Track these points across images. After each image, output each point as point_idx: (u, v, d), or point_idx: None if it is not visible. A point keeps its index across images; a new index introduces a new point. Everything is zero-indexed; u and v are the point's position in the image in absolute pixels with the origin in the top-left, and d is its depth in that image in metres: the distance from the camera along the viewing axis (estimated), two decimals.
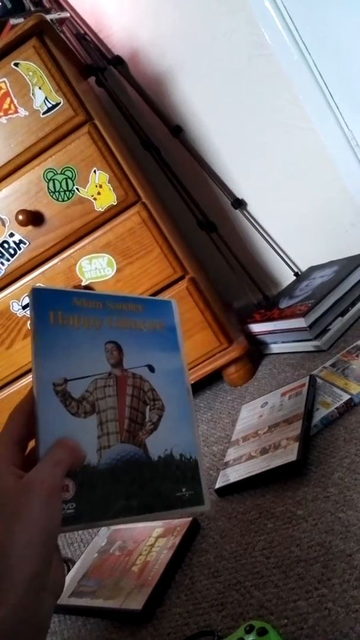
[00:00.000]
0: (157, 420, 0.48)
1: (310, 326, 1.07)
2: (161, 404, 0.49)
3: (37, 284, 1.05)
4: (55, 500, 0.38)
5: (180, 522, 0.75)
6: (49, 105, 0.98)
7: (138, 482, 0.45)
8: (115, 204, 1.02)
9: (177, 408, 0.50)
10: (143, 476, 0.45)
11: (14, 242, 1.04)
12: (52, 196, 1.02)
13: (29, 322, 0.45)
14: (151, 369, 0.50)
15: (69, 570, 0.81)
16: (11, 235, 1.03)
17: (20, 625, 0.34)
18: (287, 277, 1.46)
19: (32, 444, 0.42)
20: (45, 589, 0.36)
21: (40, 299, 0.46)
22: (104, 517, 0.42)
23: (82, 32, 1.34)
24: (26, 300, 1.06)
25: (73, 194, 1.02)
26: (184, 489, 0.47)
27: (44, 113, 0.98)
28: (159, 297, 0.55)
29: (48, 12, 1.15)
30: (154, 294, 1.07)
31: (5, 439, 0.41)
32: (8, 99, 0.98)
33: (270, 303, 1.32)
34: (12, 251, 1.04)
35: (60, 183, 1.01)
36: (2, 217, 1.03)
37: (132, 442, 0.46)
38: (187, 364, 0.52)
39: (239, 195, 1.43)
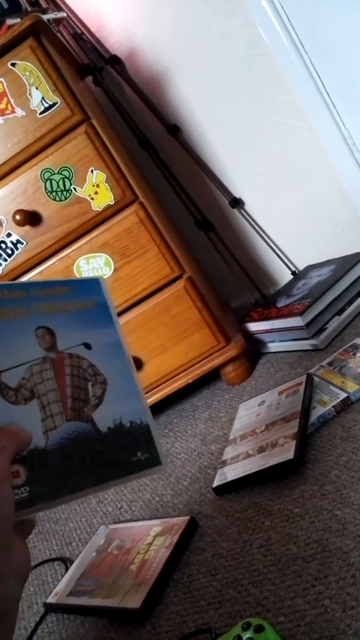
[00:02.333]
0: (101, 394, 0.50)
1: (308, 325, 1.07)
2: (103, 378, 0.51)
3: None
4: (5, 487, 0.39)
5: (177, 521, 0.75)
6: (46, 105, 0.98)
7: (90, 456, 0.46)
8: (112, 203, 1.02)
9: (121, 379, 0.52)
10: (94, 449, 0.47)
11: (12, 242, 1.04)
12: (49, 196, 1.02)
13: None
14: (87, 346, 0.51)
15: (67, 569, 0.81)
16: (8, 235, 1.03)
17: None
18: (284, 276, 1.47)
19: None
20: (8, 572, 0.37)
21: None
22: (60, 494, 0.44)
23: (79, 32, 1.34)
24: None
25: (70, 194, 1.02)
26: (139, 453, 0.49)
27: (41, 113, 0.98)
28: (85, 277, 0.57)
29: (45, 12, 1.14)
30: (152, 293, 1.07)
31: None
32: (5, 99, 0.98)
33: (267, 302, 1.33)
34: (9, 251, 1.04)
35: (58, 183, 1.01)
36: (0, 217, 1.03)
37: (78, 419, 0.47)
38: (125, 335, 0.54)
39: (237, 195, 1.43)
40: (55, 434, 0.45)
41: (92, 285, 0.55)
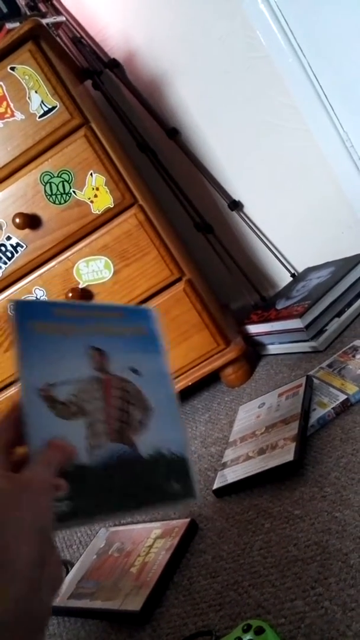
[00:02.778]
0: (145, 420, 0.50)
1: (307, 327, 1.07)
2: (147, 404, 0.51)
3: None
4: (47, 498, 0.39)
5: (178, 524, 0.75)
6: (45, 109, 0.98)
7: (129, 479, 0.47)
8: (112, 206, 1.02)
9: (164, 407, 0.52)
10: (134, 473, 0.47)
11: (11, 246, 1.04)
12: (49, 199, 1.02)
13: (13, 334, 0.47)
14: (135, 371, 0.52)
15: (67, 572, 0.81)
16: (8, 238, 1.04)
17: (21, 618, 0.35)
18: (283, 278, 1.47)
19: (22, 449, 0.44)
20: (43, 582, 0.37)
21: (23, 311, 0.48)
22: (98, 513, 0.44)
23: (78, 35, 1.35)
24: None
25: (70, 197, 1.02)
26: (174, 483, 0.49)
27: (40, 117, 0.98)
28: (138, 306, 0.58)
29: (44, 16, 1.15)
30: (151, 296, 1.07)
31: None
32: (4, 103, 0.98)
33: (267, 304, 1.33)
34: (9, 254, 1.04)
35: (57, 186, 1.01)
36: (0, 220, 1.03)
37: (121, 441, 0.48)
38: (170, 367, 0.55)
39: (236, 197, 1.43)
40: (98, 452, 0.46)
41: (144, 313, 0.57)
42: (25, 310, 0.48)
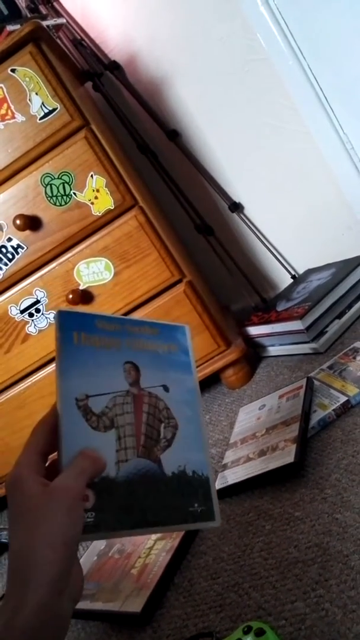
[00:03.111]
0: (171, 438, 0.51)
1: (308, 328, 1.07)
2: (175, 422, 0.52)
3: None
4: (78, 508, 0.40)
5: None
6: (46, 111, 0.98)
7: (153, 496, 0.47)
8: (112, 208, 1.03)
9: (190, 427, 0.52)
10: (158, 490, 0.47)
11: (12, 247, 1.04)
12: (49, 201, 1.02)
13: (55, 342, 0.48)
14: (166, 389, 0.53)
15: None
16: (9, 240, 1.04)
17: (42, 626, 0.35)
18: (284, 280, 1.47)
19: (53, 456, 0.44)
20: (66, 593, 0.37)
21: (65, 320, 0.49)
22: (121, 527, 0.44)
23: (79, 38, 1.35)
24: (25, 304, 1.07)
25: (70, 199, 1.02)
26: (196, 504, 0.49)
27: (40, 118, 0.99)
28: (173, 323, 0.59)
29: (44, 18, 1.15)
30: (152, 297, 1.07)
31: (30, 449, 0.44)
32: (5, 105, 0.98)
33: (267, 306, 1.33)
34: (10, 256, 1.04)
35: (58, 188, 1.02)
36: (0, 222, 1.03)
37: (148, 457, 0.48)
38: (199, 386, 0.56)
39: (236, 199, 1.44)
40: (126, 466, 0.46)
41: (179, 331, 0.58)
42: (68, 320, 0.49)
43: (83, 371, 0.48)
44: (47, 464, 0.44)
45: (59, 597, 0.37)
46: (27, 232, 1.03)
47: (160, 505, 0.47)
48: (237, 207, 1.43)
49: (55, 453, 0.44)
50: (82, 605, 0.70)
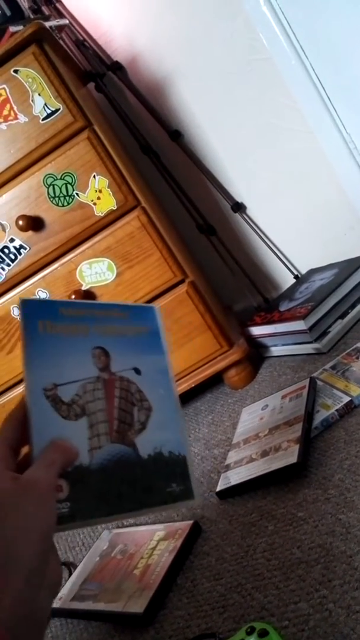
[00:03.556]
0: (145, 420, 0.50)
1: (310, 329, 1.07)
2: (148, 405, 0.51)
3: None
4: (50, 499, 0.40)
5: (181, 526, 0.75)
6: (49, 112, 0.98)
7: (129, 480, 0.46)
8: (114, 208, 1.03)
9: (164, 408, 0.52)
10: (134, 474, 0.47)
11: (15, 248, 1.04)
12: (52, 201, 1.02)
13: (20, 332, 0.47)
14: (137, 371, 0.52)
15: (70, 574, 0.81)
16: (11, 240, 1.04)
17: (20, 620, 0.35)
18: (286, 280, 1.47)
19: (25, 449, 0.44)
20: (43, 585, 0.37)
21: (29, 309, 0.48)
22: (98, 515, 0.44)
23: (81, 38, 1.35)
24: None
25: (73, 199, 1.02)
26: (174, 485, 0.49)
27: (43, 119, 0.99)
28: (143, 304, 0.58)
29: (47, 19, 1.15)
30: (154, 298, 1.07)
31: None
32: (8, 106, 0.98)
33: (270, 306, 1.33)
34: (12, 256, 1.05)
35: (60, 188, 1.02)
36: (3, 222, 1.03)
37: (122, 442, 0.48)
38: (172, 365, 0.55)
39: (239, 199, 1.43)
40: (99, 453, 0.46)
41: (148, 312, 0.57)
42: (31, 309, 0.48)
43: (50, 360, 0.47)
44: (19, 458, 0.44)
45: (36, 591, 0.36)
46: (30, 232, 1.03)
47: (137, 489, 0.47)
48: (239, 207, 1.43)
49: (28, 446, 0.43)
50: (85, 605, 0.70)
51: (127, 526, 0.87)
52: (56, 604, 0.74)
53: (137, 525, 0.86)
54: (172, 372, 0.55)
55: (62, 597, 0.75)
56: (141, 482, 0.47)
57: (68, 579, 0.80)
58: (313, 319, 1.08)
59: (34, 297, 1.07)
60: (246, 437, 0.89)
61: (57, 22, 1.19)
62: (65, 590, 0.76)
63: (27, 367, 0.45)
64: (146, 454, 0.49)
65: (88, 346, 0.50)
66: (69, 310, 0.50)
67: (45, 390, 0.45)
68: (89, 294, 1.06)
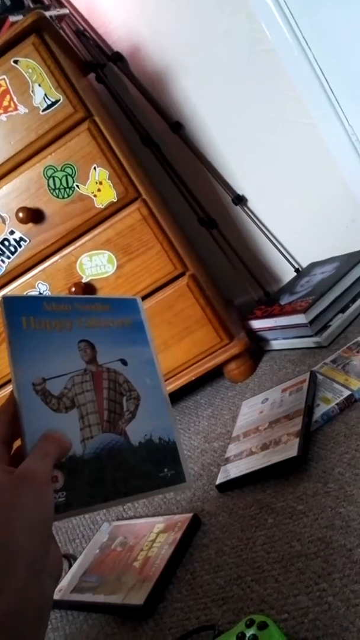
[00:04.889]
0: (135, 409, 0.52)
1: (311, 322, 1.07)
2: (137, 394, 0.53)
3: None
4: (47, 490, 0.40)
5: (181, 518, 0.75)
6: (49, 102, 0.98)
7: (122, 468, 0.48)
8: (115, 200, 1.02)
9: (152, 396, 0.54)
10: (126, 461, 0.49)
11: (15, 240, 1.04)
12: (52, 193, 1.02)
13: (3, 330, 0.48)
14: (124, 362, 0.54)
15: (70, 566, 0.81)
16: (12, 232, 1.03)
17: (24, 607, 0.36)
18: (287, 273, 1.46)
19: (17, 443, 0.45)
20: (45, 573, 0.38)
21: (12, 306, 0.49)
22: (94, 502, 0.45)
23: (82, 28, 1.34)
24: None
25: (73, 191, 1.02)
26: (165, 469, 0.51)
27: (43, 110, 0.98)
28: (124, 296, 0.60)
29: (47, 9, 1.14)
30: (155, 291, 1.07)
31: None
32: (8, 96, 0.98)
33: (270, 299, 1.33)
34: (12, 249, 1.04)
35: (61, 180, 1.01)
36: (3, 214, 1.03)
37: (113, 431, 0.49)
38: (158, 355, 0.57)
39: (240, 192, 1.43)
40: (91, 443, 0.47)
41: (131, 304, 0.58)
42: (14, 305, 0.49)
43: (36, 355, 0.48)
44: (12, 453, 0.44)
45: (39, 578, 0.37)
46: (30, 224, 1.02)
47: (130, 476, 0.48)
48: (240, 200, 1.42)
49: (20, 440, 0.44)
50: (85, 597, 0.71)
51: (126, 518, 0.87)
52: (56, 595, 0.74)
53: (136, 517, 0.86)
54: (157, 362, 0.56)
55: (62, 589, 0.75)
56: (134, 469, 0.49)
57: (68, 570, 0.80)
58: (314, 312, 1.08)
59: (31, 292, 1.07)
60: (246, 431, 0.89)
61: (58, 11, 1.18)
62: (65, 582, 0.76)
63: (13, 363, 0.46)
64: (137, 442, 0.50)
65: (73, 340, 0.51)
66: (52, 305, 0.51)
67: (34, 384, 0.46)
68: (89, 287, 1.06)
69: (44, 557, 0.38)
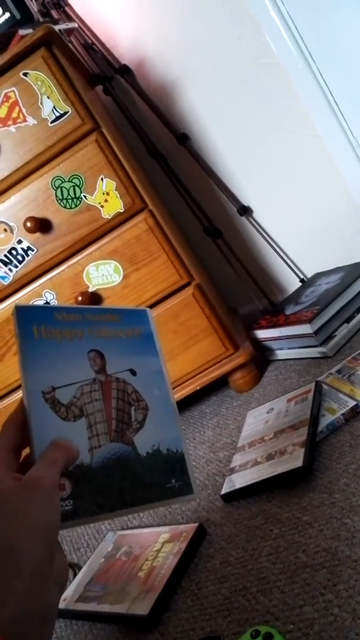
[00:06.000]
0: (143, 419, 0.52)
1: (316, 332, 1.07)
2: (145, 404, 0.53)
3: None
4: (54, 497, 0.41)
5: (186, 528, 0.75)
6: (57, 114, 0.99)
7: (129, 477, 0.48)
8: (122, 211, 1.03)
9: (160, 407, 0.54)
10: (134, 471, 0.49)
11: (22, 249, 1.05)
12: (59, 203, 1.03)
13: (15, 338, 0.48)
14: (133, 372, 0.54)
15: (75, 575, 0.81)
16: (19, 242, 1.04)
17: (29, 613, 0.36)
18: (292, 284, 1.47)
19: (26, 451, 0.45)
20: (50, 579, 0.38)
21: (24, 316, 0.49)
22: (101, 511, 0.45)
23: (90, 42, 1.36)
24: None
25: (80, 202, 1.03)
26: (173, 480, 0.51)
27: (52, 122, 0.99)
28: (134, 307, 0.60)
29: (56, 22, 1.16)
30: (160, 300, 1.08)
31: (1, 446, 0.44)
32: (17, 108, 0.99)
33: (276, 309, 1.33)
34: (20, 258, 1.05)
35: (68, 191, 1.02)
36: (11, 224, 1.04)
37: (121, 441, 0.50)
38: (167, 366, 0.57)
39: (245, 202, 1.44)
40: (99, 452, 0.48)
41: (141, 315, 0.59)
42: (26, 315, 0.49)
43: (47, 364, 0.48)
44: (21, 460, 0.45)
45: (44, 585, 0.37)
46: (37, 234, 1.03)
47: (137, 486, 0.48)
48: (246, 211, 1.43)
49: (29, 448, 0.45)
50: (89, 607, 0.70)
51: (132, 528, 0.87)
52: (61, 605, 0.74)
53: (142, 527, 0.86)
54: (166, 372, 0.56)
55: (67, 598, 0.75)
56: (141, 479, 0.49)
57: (73, 580, 0.80)
58: (319, 322, 1.08)
59: (37, 301, 1.08)
60: (251, 441, 0.89)
61: (66, 25, 1.19)
62: (70, 591, 0.76)
63: (24, 372, 0.47)
64: (145, 452, 0.50)
65: (83, 349, 0.51)
66: (63, 314, 0.52)
67: (44, 393, 0.47)
68: (95, 296, 1.07)
69: (49, 564, 0.38)
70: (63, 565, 0.41)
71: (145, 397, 0.53)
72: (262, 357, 1.24)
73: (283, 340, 1.16)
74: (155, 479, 0.49)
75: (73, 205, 1.03)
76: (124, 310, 0.57)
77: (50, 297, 1.08)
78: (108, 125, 1.06)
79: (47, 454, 0.43)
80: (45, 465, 0.42)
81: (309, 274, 1.45)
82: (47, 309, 0.53)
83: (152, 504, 0.49)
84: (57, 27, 1.05)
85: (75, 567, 0.84)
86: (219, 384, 1.22)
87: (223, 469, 0.88)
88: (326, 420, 0.81)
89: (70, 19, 1.31)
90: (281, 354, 1.20)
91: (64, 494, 0.43)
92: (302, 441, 0.76)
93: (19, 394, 1.12)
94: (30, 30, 1.04)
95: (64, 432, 0.46)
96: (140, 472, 0.49)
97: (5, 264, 1.05)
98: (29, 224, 1.01)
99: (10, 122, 1.00)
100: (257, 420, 0.95)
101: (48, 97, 0.98)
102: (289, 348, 1.16)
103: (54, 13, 1.27)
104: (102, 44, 1.38)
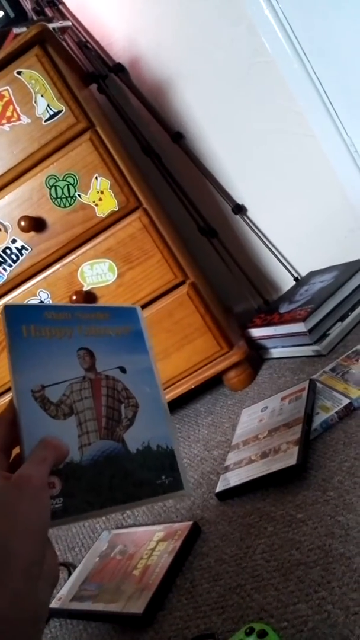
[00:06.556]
0: (133, 417, 0.52)
1: (310, 331, 1.08)
2: (135, 401, 0.53)
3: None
4: (42, 495, 0.41)
5: (180, 527, 0.75)
6: (51, 113, 0.99)
7: (120, 475, 0.48)
8: (116, 209, 1.03)
9: (150, 404, 0.54)
10: (124, 468, 0.49)
11: (16, 249, 1.05)
12: (54, 202, 1.03)
13: (4, 338, 0.48)
14: (123, 370, 0.54)
15: (70, 574, 0.81)
16: (13, 241, 1.04)
17: (20, 612, 0.36)
18: (287, 282, 1.47)
19: (16, 450, 0.45)
20: (41, 579, 0.38)
21: (13, 315, 0.49)
22: (91, 508, 0.45)
23: (84, 40, 1.35)
24: None
25: (75, 200, 1.03)
26: (163, 477, 0.51)
27: (46, 120, 0.99)
28: (124, 305, 0.60)
29: (50, 21, 1.16)
30: (155, 299, 1.08)
31: None
32: (11, 107, 0.99)
33: (270, 308, 1.33)
34: (14, 257, 1.05)
35: (62, 189, 1.02)
36: (5, 223, 1.04)
37: (111, 438, 0.50)
38: (157, 363, 0.57)
39: (239, 201, 1.44)
40: (89, 450, 0.48)
41: (130, 313, 0.59)
42: (15, 314, 0.49)
43: (36, 363, 0.48)
44: (11, 460, 0.45)
45: (34, 583, 0.37)
46: (32, 233, 1.03)
47: (128, 483, 0.48)
48: (240, 210, 1.43)
49: (19, 447, 0.45)
50: (84, 606, 0.70)
51: (126, 527, 0.87)
52: (55, 604, 0.74)
53: (136, 525, 0.86)
54: (156, 370, 0.56)
55: (62, 598, 0.75)
56: (131, 476, 0.49)
57: (67, 579, 0.80)
58: (313, 321, 1.09)
59: (31, 300, 1.08)
60: (245, 439, 0.89)
61: (60, 23, 1.19)
62: (65, 590, 0.76)
63: (13, 371, 0.47)
64: (135, 449, 0.50)
65: (73, 348, 0.51)
66: (52, 313, 0.52)
67: (33, 391, 0.47)
68: (90, 295, 1.07)
69: (40, 562, 0.38)
70: (53, 564, 0.41)
71: (135, 394, 0.54)
72: (256, 356, 1.24)
73: (277, 339, 1.17)
74: (146, 476, 0.50)
75: (67, 204, 1.03)
76: (114, 309, 0.57)
77: (44, 296, 1.07)
78: (102, 123, 1.06)
79: (36, 452, 0.43)
80: (34, 463, 0.42)
81: (303, 273, 1.45)
82: (36, 308, 0.53)
83: (142, 501, 0.49)
84: (51, 26, 1.05)
85: (70, 567, 0.84)
86: (214, 383, 1.22)
87: (217, 467, 0.89)
88: (320, 418, 0.81)
89: (64, 17, 1.31)
90: (275, 353, 1.20)
91: (54, 492, 0.43)
92: (296, 439, 0.76)
93: (8, 396, 1.12)
94: (24, 29, 1.04)
95: (54, 431, 0.46)
96: (131, 469, 0.49)
97: (0, 263, 1.05)
98: (23, 223, 1.01)
99: (4, 121, 0.99)
100: (251, 418, 0.95)
101: (42, 96, 0.98)
102: (283, 346, 1.17)
103: (48, 11, 1.27)
104: (97, 43, 1.38)
